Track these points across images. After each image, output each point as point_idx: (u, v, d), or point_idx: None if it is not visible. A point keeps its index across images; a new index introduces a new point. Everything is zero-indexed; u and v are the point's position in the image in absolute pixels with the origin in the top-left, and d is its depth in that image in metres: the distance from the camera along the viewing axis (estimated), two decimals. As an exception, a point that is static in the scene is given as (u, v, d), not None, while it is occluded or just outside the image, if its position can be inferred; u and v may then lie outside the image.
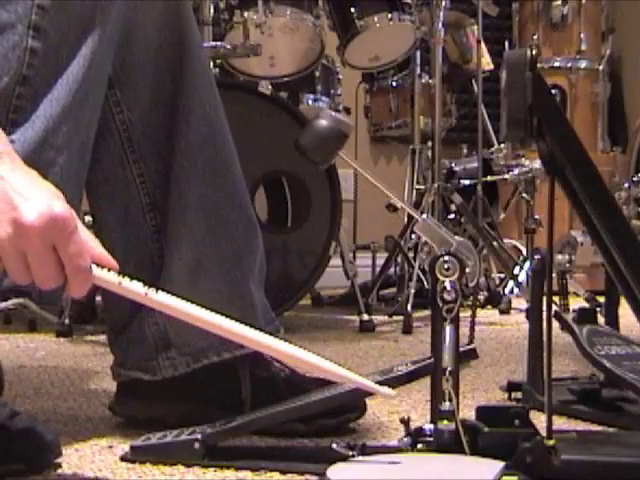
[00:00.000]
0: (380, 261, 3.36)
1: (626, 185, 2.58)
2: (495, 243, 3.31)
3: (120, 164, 1.33)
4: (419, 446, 1.06)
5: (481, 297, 3.37)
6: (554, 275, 1.91)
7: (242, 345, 1.33)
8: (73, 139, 1.18)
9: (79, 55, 1.16)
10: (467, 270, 1.06)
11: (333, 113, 1.17)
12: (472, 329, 1.17)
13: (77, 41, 1.16)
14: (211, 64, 2.90)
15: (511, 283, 3.36)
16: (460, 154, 4.14)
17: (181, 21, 1.35)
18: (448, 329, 1.05)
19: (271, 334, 1.37)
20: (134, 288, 0.96)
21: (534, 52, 1.04)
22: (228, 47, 2.75)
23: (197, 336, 1.33)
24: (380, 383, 1.13)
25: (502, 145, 3.66)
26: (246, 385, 1.33)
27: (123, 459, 1.15)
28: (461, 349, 1.07)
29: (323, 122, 1.16)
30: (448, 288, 1.05)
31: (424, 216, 1.12)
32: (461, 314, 1.06)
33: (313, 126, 1.16)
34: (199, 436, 1.13)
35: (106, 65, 1.23)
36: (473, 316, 1.20)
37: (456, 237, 1.10)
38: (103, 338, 1.45)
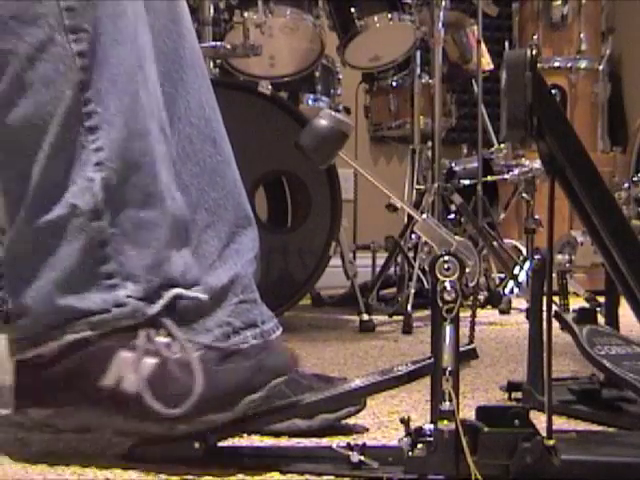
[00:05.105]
0: (380, 261, 3.36)
1: (626, 185, 2.58)
2: (495, 243, 3.31)
3: None
4: (418, 446, 1.06)
5: (481, 297, 3.37)
6: (554, 275, 1.91)
7: None
8: (151, 121, 1.18)
9: (122, 40, 1.16)
10: (467, 270, 1.06)
11: (333, 113, 1.16)
12: (472, 329, 1.17)
13: (114, 26, 1.15)
14: (211, 64, 2.91)
15: (511, 283, 3.36)
16: (460, 154, 4.14)
17: (178, 23, 1.35)
18: (448, 329, 1.05)
19: (269, 334, 1.38)
20: None
21: (534, 52, 1.04)
22: (228, 47, 2.75)
23: None
24: (380, 383, 1.13)
25: (502, 145, 3.66)
26: None
27: (123, 459, 1.15)
28: (461, 349, 1.07)
29: (323, 122, 1.15)
30: (448, 288, 1.05)
31: (424, 216, 1.12)
32: (461, 314, 1.06)
33: (313, 126, 1.16)
34: (199, 436, 1.13)
35: (147, 37, 1.21)
36: (473, 316, 1.20)
37: (456, 237, 1.10)
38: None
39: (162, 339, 1.14)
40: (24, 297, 1.15)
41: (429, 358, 1.07)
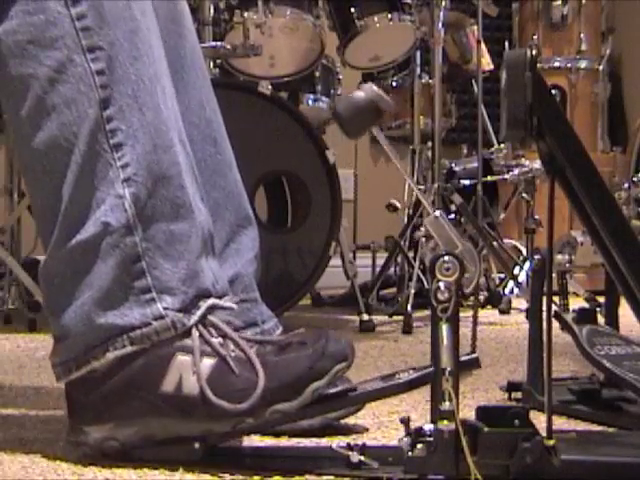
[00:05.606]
0: (380, 261, 3.36)
1: (626, 185, 2.58)
2: (495, 243, 3.31)
3: None
4: (418, 446, 1.06)
5: (481, 297, 3.36)
6: (554, 275, 1.92)
7: None
8: (174, 133, 1.19)
9: (139, 55, 1.16)
10: (466, 276, 1.06)
11: (374, 87, 1.16)
12: (474, 337, 1.16)
13: (130, 42, 1.16)
14: (211, 64, 2.91)
15: (511, 283, 3.36)
16: (460, 154, 4.14)
17: (178, 23, 1.35)
18: (445, 328, 1.05)
19: (269, 334, 1.38)
20: None
21: (534, 52, 1.04)
22: (228, 47, 2.75)
23: None
24: (381, 391, 1.14)
25: (502, 145, 3.66)
26: None
27: (123, 459, 1.15)
28: (463, 358, 1.07)
29: (361, 94, 1.15)
30: (442, 288, 1.05)
31: (437, 212, 1.11)
32: (462, 314, 1.05)
33: (351, 96, 1.16)
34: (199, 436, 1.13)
35: (161, 51, 1.22)
36: (475, 324, 1.19)
37: (464, 242, 1.09)
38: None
39: (216, 339, 1.15)
40: (64, 318, 1.16)
41: (431, 366, 1.07)
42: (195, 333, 1.14)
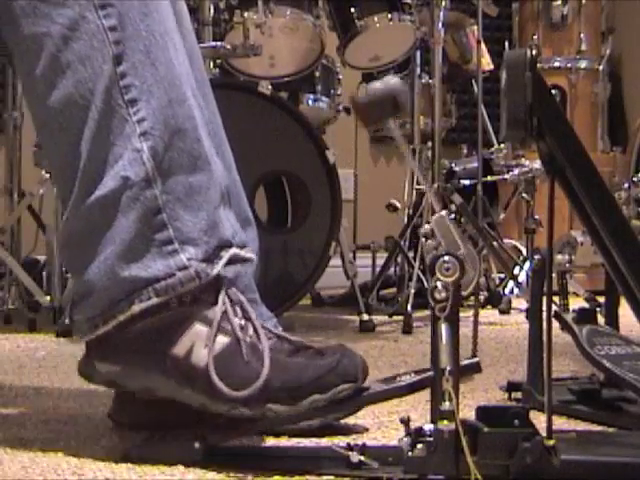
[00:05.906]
0: (380, 261, 3.36)
1: (626, 185, 2.57)
2: (495, 243, 3.31)
3: None
4: (418, 446, 1.06)
5: (481, 297, 3.36)
6: (554, 275, 1.92)
7: None
8: (187, 88, 1.19)
9: (149, 12, 1.17)
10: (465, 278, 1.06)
11: (398, 81, 1.17)
12: (475, 342, 1.16)
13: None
14: (211, 64, 2.91)
15: (511, 283, 3.36)
16: (460, 154, 4.14)
17: (177, 23, 1.35)
18: (443, 327, 1.05)
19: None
20: None
21: (534, 52, 1.04)
22: (228, 47, 2.75)
23: None
24: (382, 394, 1.14)
25: (502, 145, 3.66)
26: None
27: (123, 459, 1.15)
28: (464, 362, 1.07)
29: (381, 85, 1.16)
30: (439, 287, 1.05)
31: (443, 212, 1.12)
32: (463, 315, 1.05)
33: (372, 86, 1.16)
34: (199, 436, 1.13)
35: (169, 8, 1.23)
36: (475, 329, 1.19)
37: (468, 246, 1.09)
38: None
39: (239, 320, 1.17)
40: (87, 274, 1.16)
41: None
42: (220, 307, 1.15)
